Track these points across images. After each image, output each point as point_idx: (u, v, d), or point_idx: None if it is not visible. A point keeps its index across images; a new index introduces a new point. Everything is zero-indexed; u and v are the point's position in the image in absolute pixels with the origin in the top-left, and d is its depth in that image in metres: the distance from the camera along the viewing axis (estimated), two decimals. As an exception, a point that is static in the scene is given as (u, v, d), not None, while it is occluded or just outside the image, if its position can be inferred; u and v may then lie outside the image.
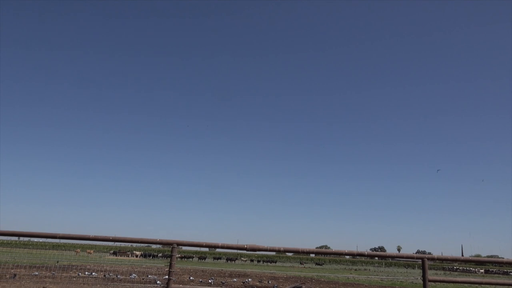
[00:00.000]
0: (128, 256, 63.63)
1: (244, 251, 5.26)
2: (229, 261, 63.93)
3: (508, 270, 66.05)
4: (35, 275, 19.73)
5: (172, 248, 5.28)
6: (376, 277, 37.49)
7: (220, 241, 5.31)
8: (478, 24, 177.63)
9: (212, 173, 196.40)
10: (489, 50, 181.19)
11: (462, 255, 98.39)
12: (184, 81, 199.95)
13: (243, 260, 69.85)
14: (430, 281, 5.36)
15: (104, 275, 21.55)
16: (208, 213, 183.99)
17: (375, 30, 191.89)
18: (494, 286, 7.39)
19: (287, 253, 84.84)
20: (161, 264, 39.91)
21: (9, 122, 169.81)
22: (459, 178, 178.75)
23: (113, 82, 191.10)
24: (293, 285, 21.07)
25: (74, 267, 27.31)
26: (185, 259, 63.84)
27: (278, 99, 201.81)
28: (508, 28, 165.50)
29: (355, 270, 56.18)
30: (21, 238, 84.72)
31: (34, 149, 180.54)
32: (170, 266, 5.24)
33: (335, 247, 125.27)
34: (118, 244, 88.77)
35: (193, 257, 67.06)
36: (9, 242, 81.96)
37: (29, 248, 71.18)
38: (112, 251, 70.87)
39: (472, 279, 5.89)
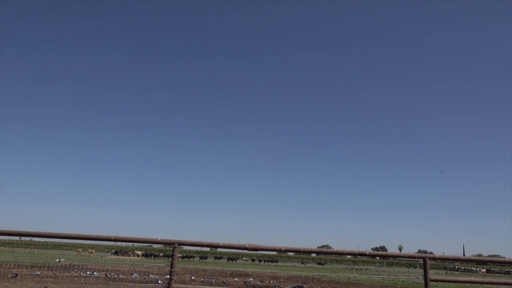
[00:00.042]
0: (130, 256, 63.73)
1: (246, 251, 5.26)
2: (230, 261, 63.97)
3: (510, 270, 65.92)
4: (37, 274, 19.77)
5: (174, 247, 5.28)
6: (378, 276, 37.47)
7: (221, 241, 5.32)
8: (478, 24, 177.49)
9: (213, 173, 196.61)
10: (489, 50, 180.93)
11: (464, 255, 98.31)
12: (184, 81, 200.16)
13: (244, 260, 69.89)
14: (431, 280, 5.35)
15: (106, 275, 21.58)
16: (209, 213, 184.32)
17: (375, 30, 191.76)
18: (495, 285, 7.38)
19: (288, 253, 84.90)
20: (162, 263, 39.95)
21: (9, 122, 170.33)
22: (460, 178, 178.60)
23: (112, 82, 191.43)
24: (295, 285, 21.08)
25: (76, 266, 27.36)
26: (187, 258, 63.90)
27: (278, 99, 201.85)
28: (508, 28, 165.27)
29: (357, 269, 56.16)
30: (23, 238, 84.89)
31: (35, 149, 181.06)
32: (172, 265, 5.24)
33: (336, 246, 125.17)
34: (119, 243, 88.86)
35: (195, 256, 67.09)
36: (10, 241, 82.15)
37: (30, 248, 71.30)
38: (113, 251, 70.97)
39: (473, 279, 5.88)
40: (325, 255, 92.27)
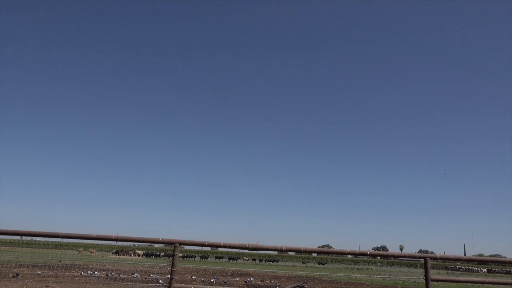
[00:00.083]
0: (131, 256, 63.80)
1: (246, 251, 5.25)
2: (231, 260, 64.00)
3: (511, 270, 65.87)
4: (38, 274, 19.80)
5: (174, 247, 5.29)
6: (379, 276, 37.46)
7: (222, 241, 5.32)
8: (478, 24, 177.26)
9: (213, 173, 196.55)
10: (489, 49, 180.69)
11: (465, 255, 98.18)
12: (184, 81, 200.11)
13: (245, 260, 69.92)
14: (432, 280, 5.35)
15: (107, 274, 21.60)
16: (210, 213, 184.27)
17: (375, 30, 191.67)
18: (496, 285, 7.37)
19: (289, 253, 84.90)
20: (163, 263, 39.99)
21: (9, 122, 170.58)
22: (461, 178, 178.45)
23: (113, 82, 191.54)
24: (295, 284, 21.07)
25: (77, 266, 27.39)
26: (187, 258, 63.94)
27: (278, 99, 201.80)
28: (508, 28, 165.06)
29: (358, 269, 56.15)
30: (24, 237, 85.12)
31: (36, 149, 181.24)
32: (173, 265, 5.24)
33: (337, 246, 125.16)
34: (120, 243, 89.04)
35: (195, 256, 67.14)
36: (11, 241, 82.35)
37: (31, 247, 71.45)
38: (114, 251, 71.08)
39: (474, 279, 5.88)
40: (326, 255, 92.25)
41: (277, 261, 70.64)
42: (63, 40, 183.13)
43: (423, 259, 5.53)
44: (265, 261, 68.60)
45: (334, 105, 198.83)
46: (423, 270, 5.56)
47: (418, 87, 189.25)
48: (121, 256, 59.00)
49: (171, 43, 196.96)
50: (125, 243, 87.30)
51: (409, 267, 78.55)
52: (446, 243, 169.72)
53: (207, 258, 66.34)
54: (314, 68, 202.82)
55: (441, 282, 27.46)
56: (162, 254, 66.51)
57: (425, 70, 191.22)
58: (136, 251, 68.33)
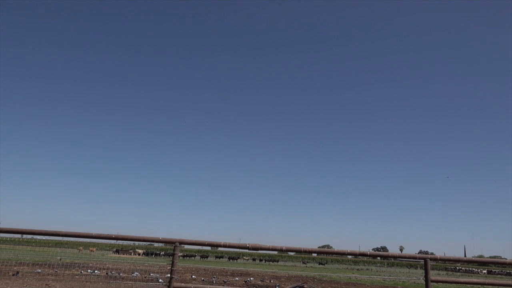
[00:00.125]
0: (131, 254, 63.83)
1: (246, 250, 5.26)
2: (231, 260, 64.01)
3: (511, 271, 65.79)
4: (38, 272, 19.82)
5: (175, 246, 5.29)
6: (378, 277, 37.44)
7: (222, 240, 5.32)
8: (478, 25, 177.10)
9: (214, 173, 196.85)
10: (490, 51, 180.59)
11: (465, 256, 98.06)
12: (184, 81, 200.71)
13: (245, 259, 69.92)
14: (432, 281, 5.34)
15: (107, 273, 21.62)
16: (210, 213, 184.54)
17: (375, 30, 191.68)
18: (497, 287, 7.37)
19: (289, 253, 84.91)
20: (163, 262, 40.00)
21: (10, 121, 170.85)
22: (461, 179, 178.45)
23: (113, 82, 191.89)
24: (295, 284, 21.07)
25: (77, 264, 27.42)
26: (188, 257, 63.97)
27: (278, 99, 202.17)
28: (508, 28, 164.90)
29: (357, 270, 56.12)
30: (24, 236, 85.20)
31: (37, 148, 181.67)
32: (172, 264, 5.24)
33: (337, 246, 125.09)
34: (120, 242, 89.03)
35: (196, 255, 67.16)
36: (12, 239, 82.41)
37: (32, 246, 71.55)
38: (114, 249, 71.12)
39: (474, 280, 5.87)
40: (326, 255, 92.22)
41: (277, 261, 70.63)
42: (64, 40, 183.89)
43: (423, 260, 5.52)
44: (265, 261, 68.59)
45: (334, 105, 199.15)
46: (423, 271, 5.56)
47: (418, 87, 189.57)
48: (121, 255, 59.03)
49: (171, 43, 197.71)
50: (125, 242, 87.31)
51: (409, 268, 78.48)
52: (446, 244, 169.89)
53: (207, 257, 66.37)
54: (314, 68, 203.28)
55: (441, 283, 27.43)
56: (162, 253, 66.53)
57: (425, 71, 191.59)
58: (136, 250, 68.38)
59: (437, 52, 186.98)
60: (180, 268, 31.18)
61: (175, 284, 5.09)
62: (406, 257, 6.00)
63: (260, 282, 22.64)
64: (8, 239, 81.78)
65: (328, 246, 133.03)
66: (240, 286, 20.16)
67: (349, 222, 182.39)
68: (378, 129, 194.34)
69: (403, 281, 31.84)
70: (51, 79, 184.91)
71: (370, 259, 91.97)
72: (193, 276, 23.47)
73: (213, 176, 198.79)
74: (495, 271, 69.35)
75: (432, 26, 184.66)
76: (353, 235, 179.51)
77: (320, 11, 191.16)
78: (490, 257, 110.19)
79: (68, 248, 72.62)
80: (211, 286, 4.97)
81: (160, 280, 19.24)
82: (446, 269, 78.98)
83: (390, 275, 42.18)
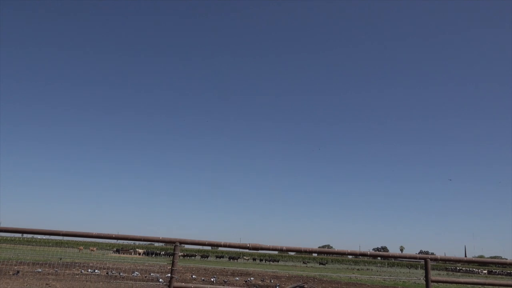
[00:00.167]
0: (131, 254, 63.86)
1: (247, 250, 5.25)
2: (231, 260, 64.01)
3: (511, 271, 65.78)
4: (38, 272, 19.83)
5: (175, 246, 5.29)
6: (379, 277, 37.43)
7: (222, 240, 5.32)
8: (478, 25, 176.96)
9: (214, 173, 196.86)
10: (489, 50, 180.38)
11: (465, 256, 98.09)
12: (184, 81, 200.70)
13: (245, 259, 69.92)
14: (433, 281, 5.34)
15: (107, 273, 21.63)
16: (211, 212, 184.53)
17: (375, 30, 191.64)
18: (497, 287, 7.36)
19: (289, 253, 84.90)
20: (163, 262, 40.02)
21: (9, 121, 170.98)
22: (462, 179, 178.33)
23: (113, 81, 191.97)
24: (295, 284, 21.06)
25: (77, 264, 27.43)
26: (188, 257, 64.00)
27: (278, 98, 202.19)
28: (508, 28, 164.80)
29: (358, 270, 56.10)
30: (25, 235, 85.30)
31: (37, 147, 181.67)
32: (173, 264, 5.24)
33: (337, 246, 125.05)
34: (121, 242, 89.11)
35: (196, 255, 67.18)
36: (12, 239, 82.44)
37: (32, 245, 71.61)
38: (115, 249, 71.14)
39: (475, 280, 5.87)
40: (326, 255, 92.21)
41: (278, 261, 70.63)
42: (63, 40, 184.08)
43: (423, 260, 5.52)
44: (266, 260, 68.59)
45: (334, 105, 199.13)
46: (424, 271, 5.55)
47: (418, 87, 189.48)
48: (122, 255, 59.06)
49: (171, 43, 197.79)
50: (125, 242, 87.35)
51: (409, 268, 78.45)
52: (447, 244, 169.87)
53: (207, 257, 66.38)
54: (314, 68, 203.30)
55: (442, 283, 27.42)
56: (162, 253, 66.58)
57: (425, 71, 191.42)
58: (137, 249, 68.40)
59: (437, 52, 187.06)
60: (181, 268, 31.19)
61: (175, 283, 5.09)
62: (406, 257, 6.00)
63: (260, 282, 22.64)
64: (9, 238, 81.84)
65: (328, 246, 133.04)
66: (241, 286, 20.15)
67: (349, 222, 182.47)
68: (378, 129, 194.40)
69: (403, 281, 31.83)
70: (51, 79, 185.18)
71: (371, 259, 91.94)
72: (194, 276, 23.48)
73: (213, 176, 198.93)
74: (496, 271, 69.31)
75: (432, 26, 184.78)
76: (353, 235, 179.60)
77: (320, 11, 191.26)
78: (491, 257, 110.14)
79: (69, 247, 72.67)
80: (212, 286, 4.96)
81: (160, 280, 19.24)
82: (446, 269, 78.96)
83: (390, 275, 42.17)
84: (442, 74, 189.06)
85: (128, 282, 17.82)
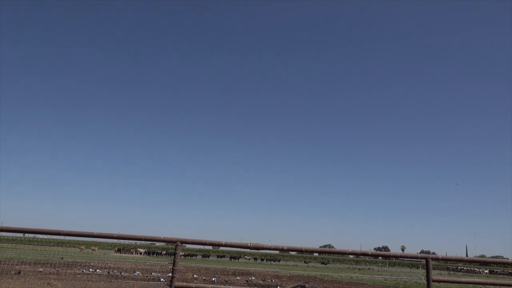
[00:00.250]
0: (132, 254, 63.92)
1: (248, 250, 5.25)
2: (232, 260, 64.01)
3: (513, 271, 65.64)
4: (40, 271, 19.87)
5: (176, 246, 5.29)
6: (380, 276, 37.41)
7: (223, 240, 5.32)
8: (478, 25, 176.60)
9: (216, 173, 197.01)
10: (489, 50, 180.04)
11: (467, 256, 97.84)
12: (184, 80, 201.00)
13: (246, 259, 69.93)
14: (434, 281, 5.33)
15: (108, 272, 21.65)
16: (212, 212, 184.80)
17: (375, 30, 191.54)
18: (498, 287, 7.35)
19: (290, 252, 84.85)
20: (164, 261, 40.05)
21: (10, 120, 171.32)
22: (463, 179, 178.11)
23: (113, 81, 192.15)
24: (296, 284, 21.06)
25: (79, 264, 27.47)
26: (189, 257, 64.03)
27: (279, 98, 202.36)
28: (508, 28, 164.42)
29: (359, 269, 56.07)
30: (26, 235, 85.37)
31: (39, 146, 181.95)
32: (174, 264, 5.25)
33: (339, 246, 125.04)
34: (122, 241, 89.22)
35: (197, 255, 67.20)
36: (14, 238, 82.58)
37: (34, 245, 71.68)
38: (116, 249, 71.24)
39: (476, 280, 5.86)
40: (327, 254, 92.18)
41: (279, 261, 70.60)
42: (63, 39, 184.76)
43: (424, 260, 5.51)
44: (267, 260, 68.58)
45: (334, 105, 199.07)
46: (425, 270, 5.55)
47: (418, 87, 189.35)
48: (123, 254, 59.13)
49: (171, 43, 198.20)
50: (127, 241, 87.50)
51: (410, 268, 78.37)
52: (448, 244, 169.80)
53: (208, 257, 66.41)
54: (314, 68, 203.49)
55: (443, 283, 27.41)
56: (163, 252, 66.62)
57: (425, 71, 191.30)
58: (138, 249, 68.44)
59: (437, 52, 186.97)
60: (182, 268, 31.22)
61: (176, 283, 5.09)
62: (407, 257, 5.99)
63: (261, 282, 22.64)
64: (10, 238, 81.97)
65: (329, 246, 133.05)
66: (242, 286, 20.16)
67: (350, 222, 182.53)
68: (380, 129, 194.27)
69: (404, 281, 31.80)
70: (51, 78, 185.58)
71: (372, 258, 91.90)
72: (195, 276, 23.49)
73: (214, 175, 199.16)
74: (497, 271, 69.19)
75: (432, 26, 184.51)
76: (354, 235, 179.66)
77: (320, 11, 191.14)
78: (492, 257, 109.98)
79: (70, 247, 72.74)
80: (213, 285, 4.96)
81: (161, 279, 19.26)
82: (447, 269, 78.84)
83: (391, 275, 42.14)
84: (442, 74, 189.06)
85: (130, 281, 17.84)
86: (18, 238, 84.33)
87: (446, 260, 5.92)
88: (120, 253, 63.92)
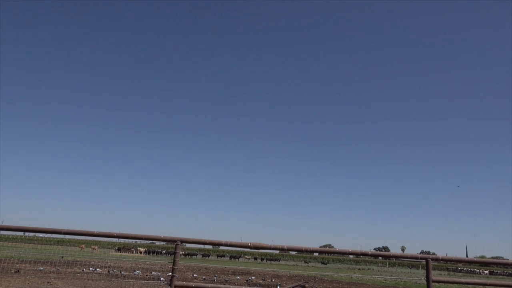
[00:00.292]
0: (132, 253, 63.94)
1: (248, 249, 5.24)
2: (232, 259, 64.01)
3: (513, 272, 65.59)
4: (40, 270, 19.88)
5: (176, 245, 5.29)
6: (380, 277, 37.40)
7: (223, 239, 5.31)
8: (478, 25, 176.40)
9: (216, 172, 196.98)
10: (489, 50, 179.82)
11: (467, 256, 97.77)
12: (184, 80, 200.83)
13: (246, 258, 69.94)
14: (434, 281, 5.33)
15: (108, 271, 21.67)
16: (212, 212, 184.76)
17: (375, 30, 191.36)
18: (498, 287, 7.34)
19: (290, 252, 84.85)
20: (165, 261, 40.07)
21: (10, 119, 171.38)
22: (463, 179, 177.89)
23: (113, 80, 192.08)
24: (296, 284, 21.05)
25: (79, 262, 27.49)
26: (189, 256, 64.04)
27: (279, 98, 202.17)
28: (508, 28, 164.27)
29: (359, 269, 56.07)
30: (26, 234, 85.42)
31: (39, 145, 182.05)
32: (174, 263, 5.25)
33: (339, 246, 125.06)
34: (122, 240, 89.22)
35: (197, 254, 67.21)
36: (14, 237, 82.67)
37: (34, 243, 71.70)
38: (116, 248, 71.25)
39: (476, 280, 5.86)
40: (327, 254, 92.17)
41: (279, 260, 70.59)
42: (63, 38, 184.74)
43: (424, 260, 5.51)
44: (267, 260, 68.57)
45: (335, 105, 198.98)
46: (425, 271, 5.54)
47: (418, 87, 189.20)
48: (123, 253, 59.15)
49: (171, 42, 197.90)
50: (127, 240, 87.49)
51: (410, 268, 78.36)
52: (448, 245, 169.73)
53: (208, 256, 66.42)
54: (314, 68, 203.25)
55: (443, 284, 27.37)
56: (163, 251, 66.64)
57: (425, 71, 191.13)
58: (138, 248, 68.46)
59: (437, 52, 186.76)
60: (182, 267, 31.23)
61: (176, 282, 5.09)
62: (407, 257, 5.99)
63: (261, 281, 22.65)
64: (11, 236, 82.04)
65: (329, 246, 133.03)
66: (242, 285, 20.16)
67: (350, 222, 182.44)
68: (380, 129, 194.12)
69: (404, 281, 31.80)
70: (51, 78, 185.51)
71: (372, 259, 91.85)
72: (195, 275, 23.50)
73: (214, 175, 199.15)
74: (497, 272, 69.14)
75: (432, 26, 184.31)
76: (354, 235, 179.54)
77: (320, 11, 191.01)
78: (492, 257, 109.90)
79: (70, 246, 72.76)
80: (212, 285, 4.96)
81: (161, 279, 19.27)
82: (447, 269, 78.84)
83: (391, 275, 42.13)
84: (442, 74, 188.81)
85: (130, 280, 17.86)
86: (19, 237, 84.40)
87: (446, 260, 5.91)
88: (120, 252, 63.94)
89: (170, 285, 5.08)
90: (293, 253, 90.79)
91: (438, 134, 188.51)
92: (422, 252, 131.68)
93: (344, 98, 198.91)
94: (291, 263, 68.77)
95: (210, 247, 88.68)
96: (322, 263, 69.85)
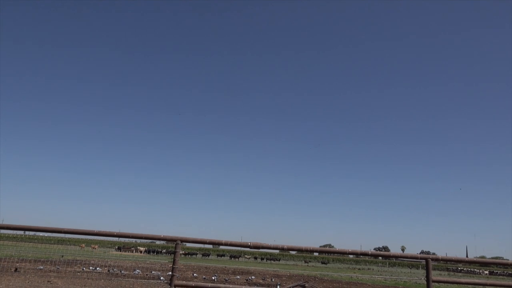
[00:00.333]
0: (132, 252, 63.97)
1: (248, 249, 5.24)
2: (232, 259, 64.03)
3: (513, 272, 65.57)
4: (40, 269, 19.90)
5: (176, 244, 5.29)
6: (380, 276, 37.40)
7: (223, 239, 5.31)
8: (478, 25, 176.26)
9: (216, 172, 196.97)
10: (489, 50, 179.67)
11: (467, 256, 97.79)
12: (184, 80, 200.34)
13: (246, 258, 69.95)
14: (434, 281, 5.33)
15: (108, 270, 21.68)
16: (212, 211, 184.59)
17: (375, 30, 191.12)
18: (498, 287, 7.34)
19: (290, 252, 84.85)
20: (165, 260, 40.09)
21: (11, 118, 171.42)
22: (463, 179, 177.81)
23: (113, 80, 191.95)
24: (296, 284, 21.07)
25: (79, 261, 27.51)
26: (189, 255, 64.07)
27: (279, 98, 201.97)
28: (508, 28, 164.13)
29: (359, 269, 56.08)
30: (27, 232, 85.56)
31: (39, 145, 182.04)
32: (174, 262, 5.25)
33: (339, 246, 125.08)
34: (122, 239, 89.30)
35: (197, 254, 67.24)
36: (14, 236, 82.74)
37: (34, 242, 71.71)
38: (116, 247, 71.28)
39: (476, 281, 5.85)
40: (327, 254, 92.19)
41: (279, 260, 70.61)
42: (64, 38, 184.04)
43: (424, 260, 5.51)
44: (267, 259, 68.59)
45: (335, 105, 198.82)
46: (425, 271, 5.54)
47: (418, 87, 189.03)
48: (123, 253, 59.18)
49: (172, 42, 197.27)
50: (127, 240, 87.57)
51: (410, 268, 78.37)
52: (448, 245, 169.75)
53: (208, 255, 66.46)
54: (314, 67, 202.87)
55: (443, 284, 27.35)
56: (163, 251, 66.66)
57: (425, 71, 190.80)
58: (138, 247, 68.50)
59: (437, 52, 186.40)
60: (182, 266, 31.25)
61: (176, 282, 5.10)
62: (407, 257, 5.98)
63: (261, 281, 22.66)
64: (11, 235, 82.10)
65: (329, 246, 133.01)
66: (242, 285, 20.17)
67: (350, 222, 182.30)
68: (380, 129, 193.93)
69: (404, 281, 31.80)
70: (51, 77, 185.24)
71: (372, 258, 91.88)
72: (195, 274, 23.51)
73: (214, 174, 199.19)
74: (497, 272, 69.14)
75: (432, 26, 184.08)
76: (354, 235, 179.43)
77: (320, 11, 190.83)
78: (492, 258, 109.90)
79: (70, 245, 72.79)
80: (212, 284, 4.96)
81: (161, 278, 19.28)
82: (447, 269, 78.84)
83: (391, 275, 42.14)
84: (442, 74, 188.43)
85: (130, 280, 17.87)
86: (19, 236, 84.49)
87: (446, 260, 5.91)
88: (120, 251, 63.98)
89: (170, 284, 5.08)
90: (293, 252, 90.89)
91: (438, 134, 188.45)
92: (422, 252, 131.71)
93: (344, 98, 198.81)
94: (291, 262, 68.78)
95: (210, 246, 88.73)
96: (322, 262, 69.86)
